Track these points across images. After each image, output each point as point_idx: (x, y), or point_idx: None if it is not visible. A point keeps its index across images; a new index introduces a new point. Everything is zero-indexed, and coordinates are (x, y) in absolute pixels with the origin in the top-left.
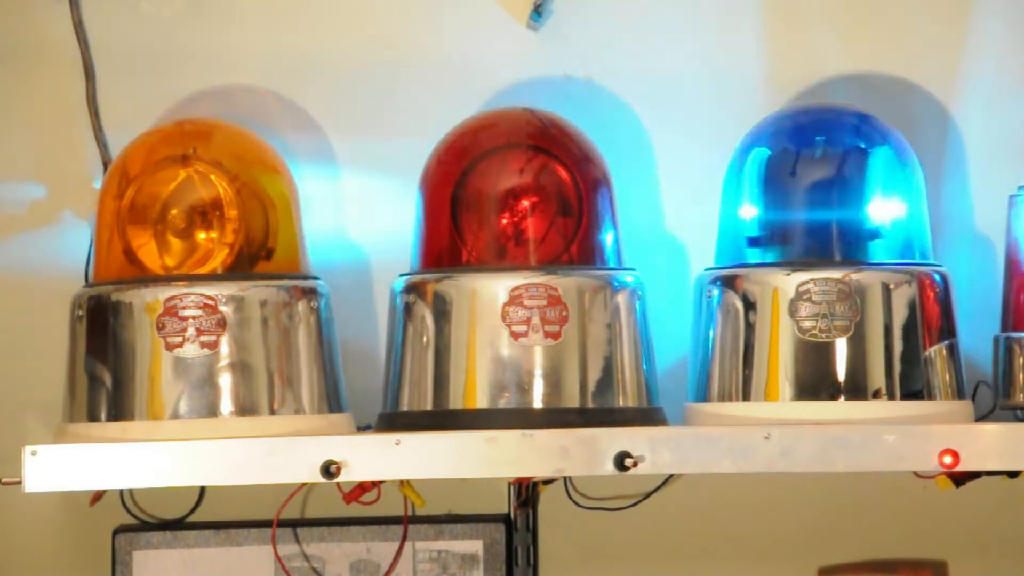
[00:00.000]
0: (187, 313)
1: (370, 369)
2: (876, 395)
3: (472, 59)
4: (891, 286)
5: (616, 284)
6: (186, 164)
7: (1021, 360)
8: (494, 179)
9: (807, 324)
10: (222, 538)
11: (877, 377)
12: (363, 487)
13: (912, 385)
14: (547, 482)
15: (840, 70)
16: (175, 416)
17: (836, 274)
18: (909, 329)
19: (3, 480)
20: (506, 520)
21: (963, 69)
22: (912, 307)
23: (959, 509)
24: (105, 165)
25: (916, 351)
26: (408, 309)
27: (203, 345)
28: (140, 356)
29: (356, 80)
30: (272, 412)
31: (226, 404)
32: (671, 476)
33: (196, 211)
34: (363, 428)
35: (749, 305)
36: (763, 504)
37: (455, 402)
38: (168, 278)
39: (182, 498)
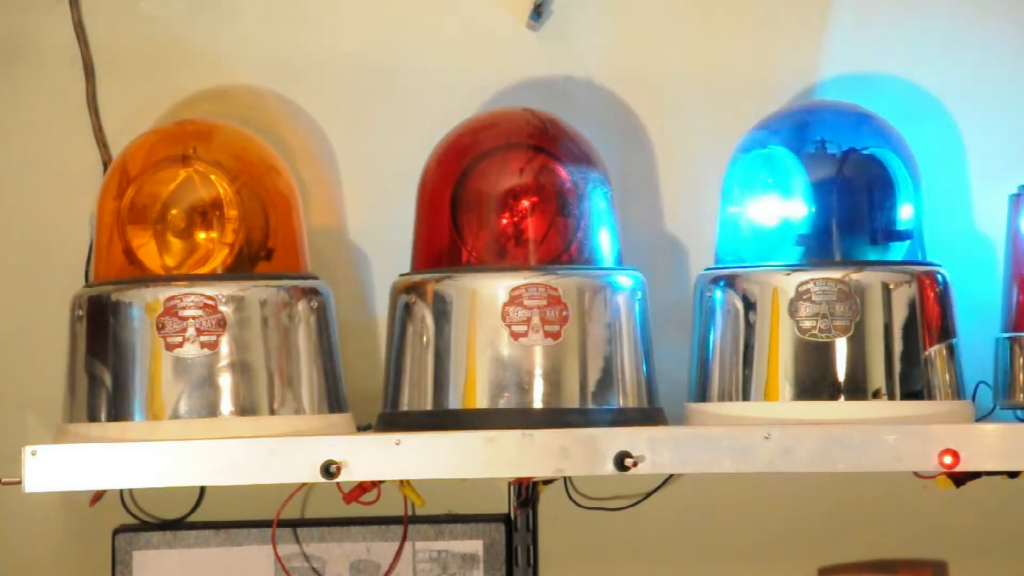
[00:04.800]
0: (187, 313)
1: (370, 369)
2: (876, 395)
3: (472, 59)
4: (891, 286)
5: (616, 284)
6: (186, 164)
7: (1021, 360)
8: (494, 179)
9: (807, 324)
10: (222, 538)
11: (877, 377)
12: (363, 487)
13: (912, 385)
14: (547, 482)
15: (839, 70)
16: (175, 416)
17: (836, 274)
18: (909, 329)
19: (3, 480)
20: (506, 520)
21: (963, 68)
22: (912, 307)
23: (959, 509)
24: (105, 165)
25: (916, 351)
26: (408, 309)
27: (203, 345)
28: (140, 356)
29: (356, 80)
30: (272, 412)
31: (226, 404)
32: (671, 476)
33: (196, 211)
34: (363, 428)
35: (749, 305)
36: (763, 504)
37: (455, 402)
38: (168, 278)
39: (182, 498)
